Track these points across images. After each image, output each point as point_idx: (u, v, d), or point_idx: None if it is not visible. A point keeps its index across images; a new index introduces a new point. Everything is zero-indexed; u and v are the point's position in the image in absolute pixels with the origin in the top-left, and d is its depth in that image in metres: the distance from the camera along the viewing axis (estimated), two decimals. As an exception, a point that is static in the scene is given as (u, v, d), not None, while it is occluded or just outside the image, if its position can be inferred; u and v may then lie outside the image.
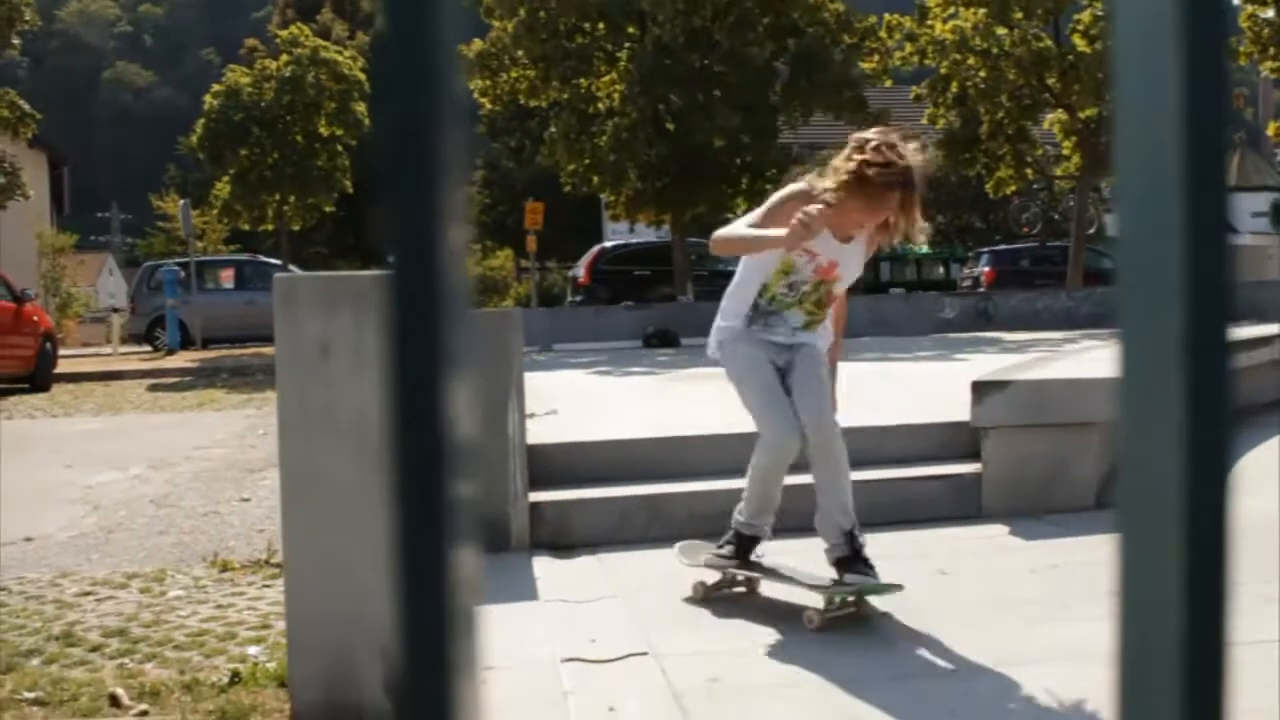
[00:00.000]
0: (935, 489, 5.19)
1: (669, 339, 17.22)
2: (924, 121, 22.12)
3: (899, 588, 3.71)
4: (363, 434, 2.80)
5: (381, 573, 0.49)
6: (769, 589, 3.99)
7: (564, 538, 4.84)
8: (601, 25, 21.21)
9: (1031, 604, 3.89)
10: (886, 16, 22.22)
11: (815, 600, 3.70)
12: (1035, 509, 5.10)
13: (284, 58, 23.01)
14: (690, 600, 3.99)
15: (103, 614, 4.26)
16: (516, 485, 4.71)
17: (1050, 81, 21.24)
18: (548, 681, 3.22)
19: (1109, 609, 0.51)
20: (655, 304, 19.63)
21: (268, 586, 4.53)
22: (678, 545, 4.20)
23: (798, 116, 21.94)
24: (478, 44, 21.53)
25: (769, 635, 3.60)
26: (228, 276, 22.96)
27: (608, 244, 25.27)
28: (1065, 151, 22.91)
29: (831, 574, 3.74)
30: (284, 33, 24.39)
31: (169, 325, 20.76)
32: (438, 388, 0.48)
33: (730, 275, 4.05)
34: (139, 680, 3.44)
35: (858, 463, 3.92)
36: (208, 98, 23.07)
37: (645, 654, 3.43)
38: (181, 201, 25.97)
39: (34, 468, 8.06)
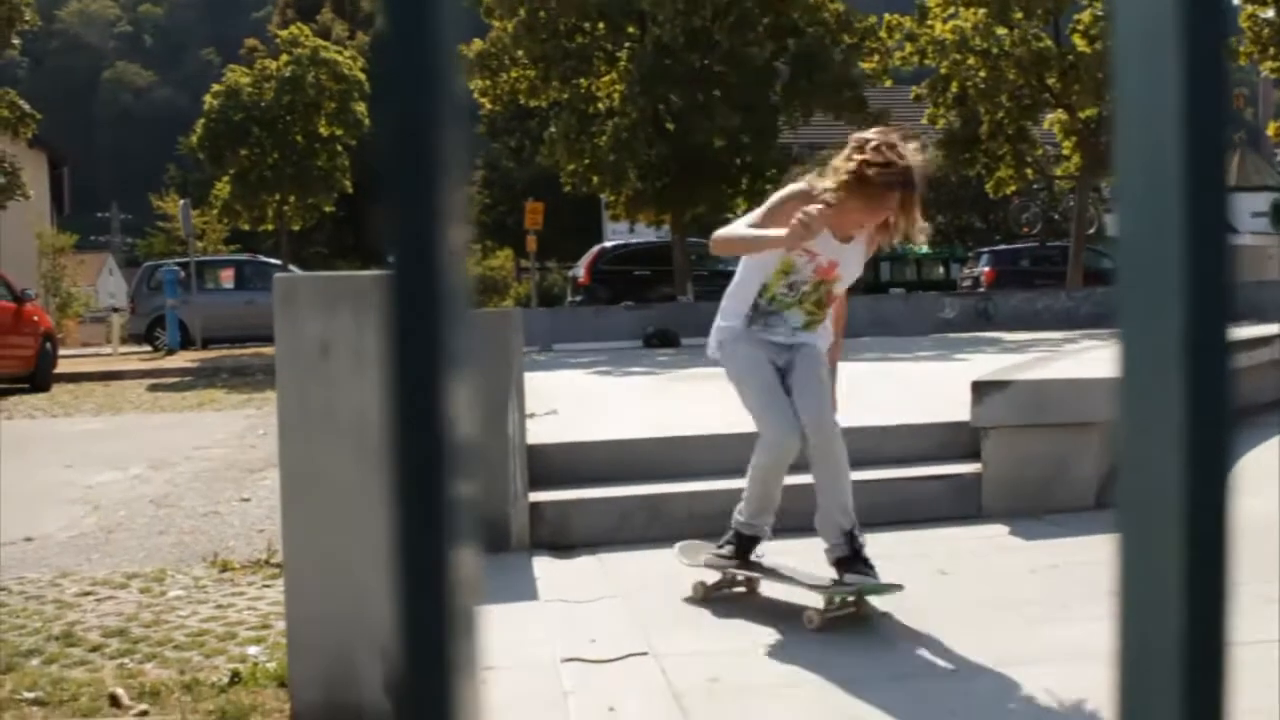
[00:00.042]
0: (935, 489, 5.19)
1: (669, 339, 17.21)
2: (924, 121, 22.12)
3: (899, 588, 3.71)
4: (363, 434, 2.80)
5: (381, 573, 0.49)
6: (769, 589, 3.98)
7: (564, 538, 4.84)
8: (601, 25, 21.21)
9: (1031, 604, 3.89)
10: (886, 16, 22.22)
11: (815, 600, 3.70)
12: (1035, 509, 5.10)
13: (284, 58, 23.01)
14: (690, 600, 3.99)
15: (103, 614, 4.26)
16: (516, 485, 4.71)
17: (1050, 81, 21.23)
18: (548, 681, 3.22)
19: (1109, 609, 0.51)
20: (655, 304, 19.62)
21: (268, 586, 4.53)
22: (678, 545, 4.20)
23: (798, 116, 21.94)
24: (478, 44, 21.53)
25: (769, 635, 3.60)
26: (228, 276, 22.96)
27: (608, 244, 25.26)
28: (1065, 151, 22.91)
29: (831, 574, 3.74)
30: (284, 33, 24.39)
31: (169, 325, 20.76)
32: (438, 388, 0.48)
33: (730, 275, 4.05)
34: (139, 680, 3.44)
35: (858, 463, 3.92)
36: (208, 98, 23.07)
37: (645, 654, 3.43)
38: (181, 201, 25.98)
39: (34, 468, 8.06)
